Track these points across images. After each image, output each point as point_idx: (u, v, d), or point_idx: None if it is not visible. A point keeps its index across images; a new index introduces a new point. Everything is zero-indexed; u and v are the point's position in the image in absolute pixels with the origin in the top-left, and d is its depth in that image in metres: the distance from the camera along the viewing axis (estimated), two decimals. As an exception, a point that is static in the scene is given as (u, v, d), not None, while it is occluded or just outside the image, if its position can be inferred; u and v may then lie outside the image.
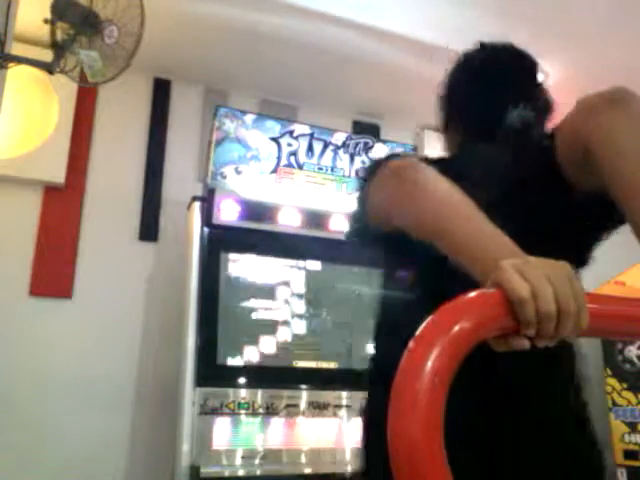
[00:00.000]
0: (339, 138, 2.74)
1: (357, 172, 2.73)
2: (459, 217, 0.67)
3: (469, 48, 1.08)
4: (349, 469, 2.09)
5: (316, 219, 2.53)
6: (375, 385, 0.92)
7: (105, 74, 1.83)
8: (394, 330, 0.74)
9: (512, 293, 0.52)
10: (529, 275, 0.53)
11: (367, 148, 2.76)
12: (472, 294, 0.52)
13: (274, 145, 2.61)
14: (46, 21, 1.81)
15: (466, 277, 0.62)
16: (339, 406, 2.23)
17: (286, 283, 2.43)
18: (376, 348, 0.98)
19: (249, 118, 2.60)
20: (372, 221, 0.88)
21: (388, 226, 0.81)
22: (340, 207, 2.63)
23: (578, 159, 0.73)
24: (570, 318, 0.53)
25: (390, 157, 0.88)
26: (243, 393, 2.13)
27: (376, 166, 0.88)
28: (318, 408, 2.20)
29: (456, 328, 0.47)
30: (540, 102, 1.02)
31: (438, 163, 0.85)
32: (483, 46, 1.06)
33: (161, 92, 2.95)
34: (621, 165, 0.65)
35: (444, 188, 0.72)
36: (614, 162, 0.66)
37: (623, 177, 0.64)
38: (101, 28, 1.81)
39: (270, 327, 2.32)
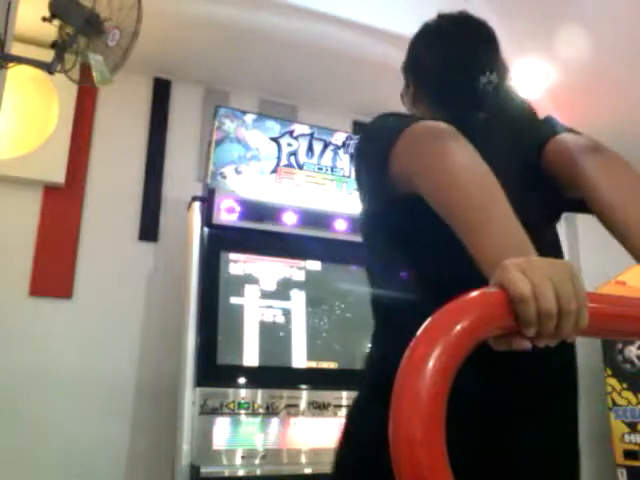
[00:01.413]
0: (339, 138, 2.74)
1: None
2: (492, 215, 0.66)
3: (430, 19, 1.10)
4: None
5: (316, 219, 2.53)
6: (370, 391, 0.92)
7: (112, 79, 1.83)
8: (396, 330, 0.74)
9: (514, 292, 0.52)
10: (531, 274, 0.53)
11: (367, 148, 2.76)
12: (474, 293, 0.52)
13: (274, 145, 2.61)
14: (45, 19, 1.81)
15: (469, 276, 0.62)
16: (339, 406, 2.23)
17: (286, 283, 2.43)
18: (375, 348, 0.98)
19: (249, 118, 2.60)
20: (392, 177, 0.83)
21: (406, 187, 0.79)
22: (340, 207, 2.63)
23: (565, 179, 0.90)
24: (571, 318, 0.53)
25: (415, 119, 0.84)
26: (243, 393, 2.13)
27: (402, 122, 0.85)
28: (318, 408, 2.20)
29: (457, 327, 0.47)
30: (502, 67, 1.04)
31: None
32: (443, 16, 1.08)
33: (161, 92, 2.95)
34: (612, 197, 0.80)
35: (483, 172, 0.70)
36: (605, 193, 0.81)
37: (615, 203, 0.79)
38: (102, 29, 1.81)
39: (270, 327, 2.32)
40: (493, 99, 0.97)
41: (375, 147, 0.87)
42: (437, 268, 0.84)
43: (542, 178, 0.92)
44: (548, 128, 0.97)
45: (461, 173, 0.70)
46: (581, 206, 0.88)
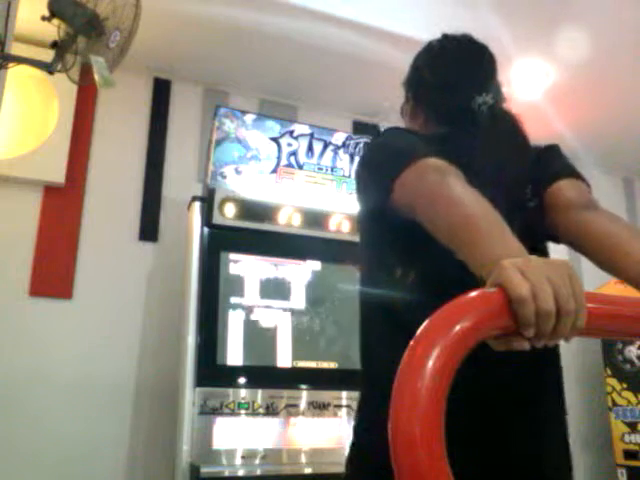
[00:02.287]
0: (339, 138, 2.74)
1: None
2: (492, 231, 0.68)
3: (435, 38, 1.14)
4: (349, 469, 2.09)
5: (316, 219, 2.53)
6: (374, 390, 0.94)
7: (114, 82, 1.83)
8: (395, 330, 0.74)
9: (512, 292, 0.52)
10: (530, 274, 0.53)
11: (367, 148, 2.76)
12: (473, 293, 0.52)
13: (274, 145, 2.61)
14: (44, 19, 1.81)
15: (468, 278, 0.62)
16: (339, 406, 2.23)
17: (286, 283, 2.43)
18: (375, 349, 0.99)
19: (249, 118, 2.60)
20: (394, 202, 0.87)
21: (407, 214, 0.83)
22: (340, 207, 2.63)
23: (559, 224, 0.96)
24: (569, 318, 0.53)
25: (419, 154, 0.87)
26: (243, 393, 2.13)
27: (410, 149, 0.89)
28: (318, 408, 2.20)
29: (457, 327, 0.47)
30: (498, 91, 1.08)
31: (431, 141, 0.93)
32: (447, 36, 1.13)
33: (161, 92, 2.95)
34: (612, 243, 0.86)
35: (480, 200, 0.74)
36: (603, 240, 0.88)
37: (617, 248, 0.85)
38: (102, 30, 1.80)
39: (270, 327, 2.32)
40: (487, 119, 1.01)
41: (382, 171, 0.91)
42: (437, 268, 0.85)
43: (525, 211, 0.96)
44: (547, 169, 1.01)
45: (461, 198, 0.74)
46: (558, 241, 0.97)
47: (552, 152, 1.06)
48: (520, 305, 0.51)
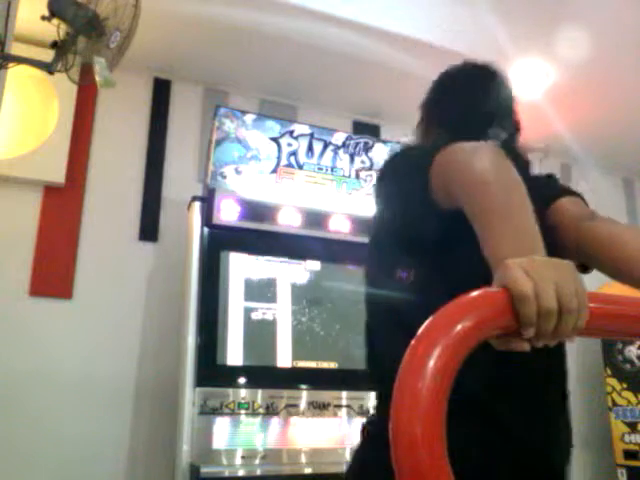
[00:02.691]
0: (339, 138, 2.74)
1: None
2: (512, 214, 0.68)
3: (454, 65, 1.15)
4: (349, 469, 2.09)
5: (316, 219, 2.53)
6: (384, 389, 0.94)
7: (115, 82, 1.83)
8: (398, 329, 0.74)
9: (515, 290, 0.52)
10: (533, 273, 0.53)
11: (367, 148, 2.76)
12: (476, 293, 0.52)
13: (274, 145, 2.61)
14: (44, 18, 1.81)
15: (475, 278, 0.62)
16: (339, 406, 2.23)
17: (286, 283, 2.43)
18: (380, 348, 0.99)
19: (249, 118, 2.59)
20: (434, 194, 0.85)
21: (446, 203, 0.82)
22: (340, 207, 2.63)
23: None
24: (571, 317, 0.53)
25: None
26: (243, 393, 2.13)
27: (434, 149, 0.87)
28: (318, 408, 2.20)
29: (459, 327, 0.47)
30: (514, 122, 1.10)
31: None
32: (467, 64, 1.14)
33: (161, 92, 2.95)
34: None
35: (515, 178, 0.73)
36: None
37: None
38: (103, 30, 1.80)
39: (270, 327, 2.32)
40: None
41: (416, 168, 0.89)
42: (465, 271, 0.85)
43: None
44: (548, 191, 1.04)
45: (494, 172, 0.73)
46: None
47: (550, 179, 1.10)
48: (522, 303, 0.52)
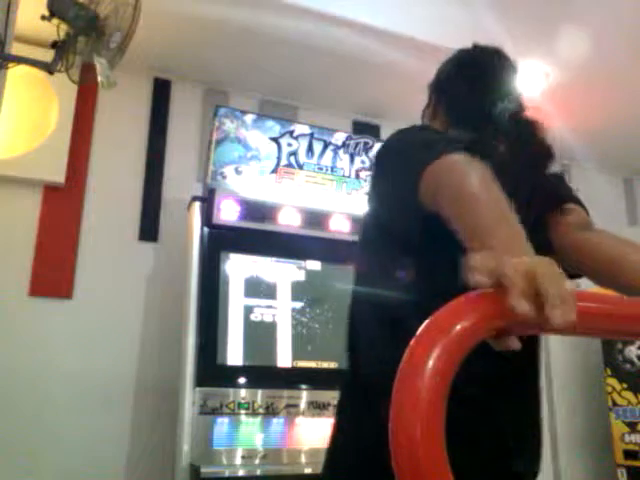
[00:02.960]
0: (339, 138, 2.75)
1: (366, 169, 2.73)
2: (501, 225, 0.69)
3: (464, 47, 1.19)
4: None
5: (316, 219, 2.53)
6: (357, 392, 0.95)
7: (116, 82, 1.83)
8: (394, 330, 0.74)
9: (510, 289, 0.52)
10: (522, 272, 0.53)
11: (367, 148, 2.76)
12: (472, 293, 0.52)
13: (274, 145, 2.61)
14: (44, 18, 1.81)
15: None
16: (339, 406, 2.23)
17: (286, 283, 2.43)
18: (365, 344, 0.99)
19: (249, 118, 2.60)
20: (420, 191, 0.85)
21: (431, 205, 0.82)
22: (340, 207, 2.63)
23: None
24: (556, 300, 0.52)
25: (447, 146, 0.87)
26: (243, 393, 2.13)
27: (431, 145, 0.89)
28: (318, 408, 2.20)
29: (457, 327, 0.47)
30: (519, 102, 1.13)
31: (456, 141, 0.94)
32: (476, 47, 1.18)
33: (161, 92, 2.95)
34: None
35: (499, 194, 0.75)
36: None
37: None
38: (103, 30, 1.81)
39: (270, 327, 2.33)
40: (506, 125, 1.05)
41: (409, 168, 0.90)
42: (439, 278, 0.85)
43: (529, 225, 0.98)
44: (553, 193, 1.06)
45: (480, 188, 0.75)
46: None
47: (558, 178, 1.11)
48: (513, 301, 0.51)
